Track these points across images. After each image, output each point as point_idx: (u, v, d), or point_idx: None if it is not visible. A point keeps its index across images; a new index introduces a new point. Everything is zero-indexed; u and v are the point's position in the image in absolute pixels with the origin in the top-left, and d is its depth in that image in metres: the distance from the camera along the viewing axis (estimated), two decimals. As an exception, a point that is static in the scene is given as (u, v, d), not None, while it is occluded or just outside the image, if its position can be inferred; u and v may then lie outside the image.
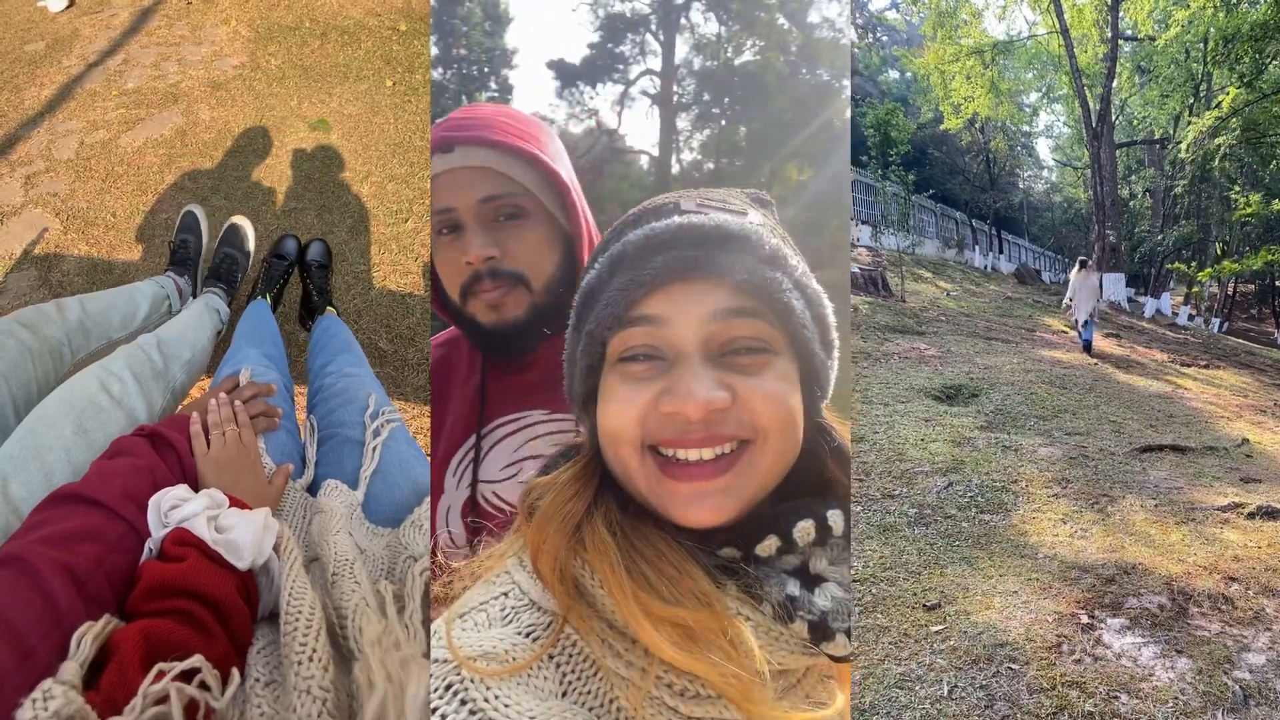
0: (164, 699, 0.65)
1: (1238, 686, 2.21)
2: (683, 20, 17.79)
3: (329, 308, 2.37)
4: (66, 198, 2.82)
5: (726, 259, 0.63)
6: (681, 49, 18.07)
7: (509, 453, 1.12)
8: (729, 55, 17.72)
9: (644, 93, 18.19)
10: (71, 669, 0.66)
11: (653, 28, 17.92)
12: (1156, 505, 3.48)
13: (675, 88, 18.00)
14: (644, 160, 18.57)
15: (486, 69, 17.73)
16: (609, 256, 0.67)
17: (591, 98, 18.43)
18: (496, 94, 17.79)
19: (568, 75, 18.27)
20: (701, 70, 18.00)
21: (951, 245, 15.76)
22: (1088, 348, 7.74)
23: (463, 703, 0.53)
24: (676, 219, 0.65)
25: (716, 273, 0.62)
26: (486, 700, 0.54)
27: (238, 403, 1.28)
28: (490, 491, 1.11)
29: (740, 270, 0.63)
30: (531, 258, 1.07)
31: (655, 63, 18.08)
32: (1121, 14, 12.98)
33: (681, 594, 0.59)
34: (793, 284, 0.65)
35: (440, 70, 17.70)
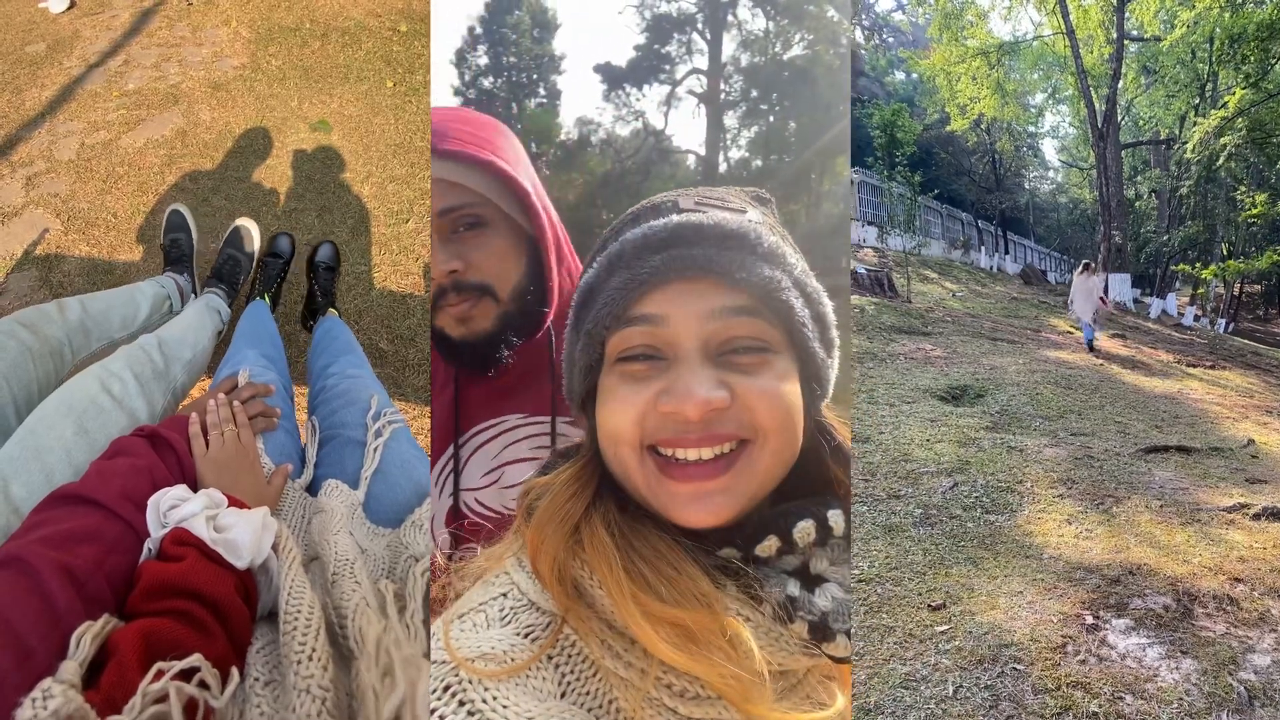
0: (163, 698, 0.65)
1: (1243, 688, 2.20)
2: (730, 17, 17.68)
3: (331, 309, 2.37)
4: (67, 198, 2.82)
5: (725, 257, 0.62)
6: (729, 46, 17.99)
7: (489, 459, 1.11)
8: (777, 50, 17.64)
9: (690, 92, 18.14)
10: (71, 668, 0.66)
11: (699, 26, 17.85)
12: (1162, 506, 3.46)
13: (722, 85, 17.94)
14: (691, 160, 18.54)
15: (535, 75, 17.81)
16: (607, 255, 0.66)
17: (638, 99, 18.40)
18: (545, 100, 17.87)
19: (614, 78, 18.27)
20: (749, 66, 17.90)
21: (957, 246, 15.76)
22: (1090, 346, 7.88)
23: (461, 704, 0.53)
24: (674, 217, 0.64)
25: (715, 271, 0.62)
26: (485, 701, 0.53)
27: (236, 403, 1.28)
28: (473, 499, 1.10)
29: (739, 268, 0.62)
30: (495, 267, 1.04)
31: (702, 61, 18.02)
32: (1127, 14, 12.98)
33: (680, 594, 0.58)
34: (792, 282, 0.64)
35: (490, 79, 17.83)
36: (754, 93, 17.90)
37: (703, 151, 18.31)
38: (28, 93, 3.24)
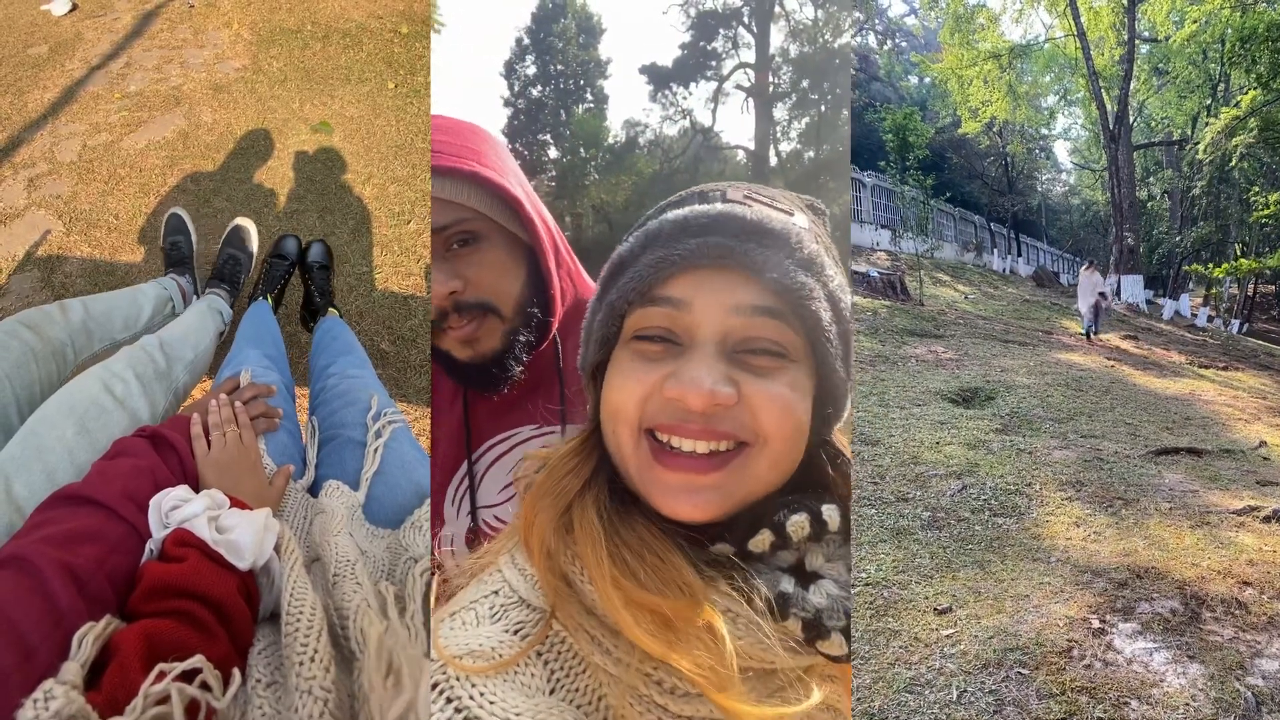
0: (165, 699, 0.64)
1: (1250, 693, 2.18)
2: (777, 8, 17.59)
3: (331, 309, 2.36)
4: (69, 200, 2.82)
5: (761, 254, 0.61)
6: (776, 37, 18.02)
7: (504, 474, 1.09)
8: (827, 38, 17.55)
9: (738, 87, 18.15)
10: (73, 669, 0.66)
11: (745, 20, 17.83)
12: (1171, 509, 3.43)
13: (771, 78, 17.83)
14: (740, 155, 18.47)
15: (582, 81, 17.86)
16: (644, 231, 0.66)
17: (685, 98, 18.49)
18: (592, 105, 17.93)
19: (660, 78, 18.36)
20: (798, 57, 17.83)
21: (970, 249, 15.69)
22: (1088, 335, 8.25)
23: (448, 700, 0.53)
24: (719, 205, 0.64)
25: (748, 266, 0.61)
26: (472, 698, 0.53)
27: (238, 404, 1.28)
28: (492, 515, 1.08)
29: (773, 268, 0.61)
30: (495, 283, 1.00)
31: (749, 55, 18.07)
32: (1139, 16, 12.96)
33: (663, 583, 0.58)
34: (826, 295, 0.63)
35: (539, 87, 17.89)
36: (804, 83, 17.87)
37: (752, 146, 18.32)
38: (30, 94, 3.25)
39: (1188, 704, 2.14)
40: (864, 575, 2.82)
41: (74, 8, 3.74)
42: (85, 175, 2.92)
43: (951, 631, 2.46)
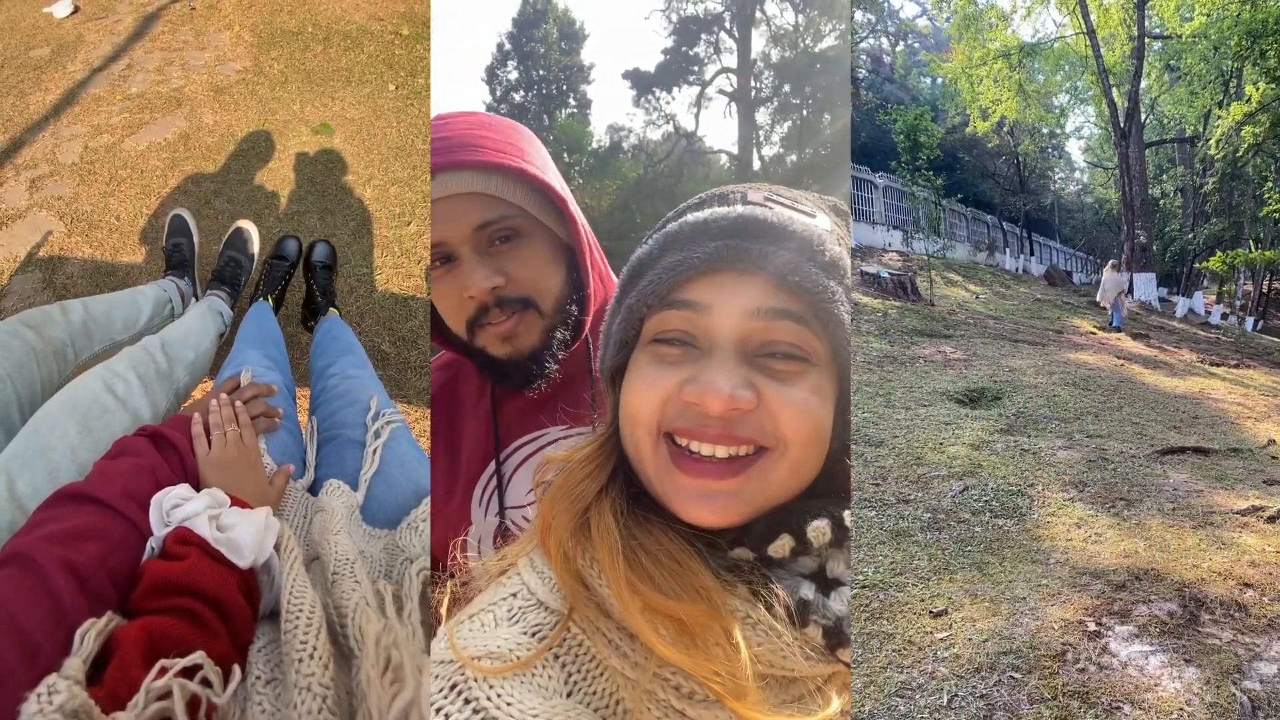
0: (166, 695, 0.65)
1: (1246, 697, 2.16)
2: (758, 13, 17.64)
3: (331, 309, 2.37)
4: (71, 201, 2.83)
5: (781, 257, 0.60)
6: (758, 42, 18.01)
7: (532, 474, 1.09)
8: (808, 43, 17.59)
9: (721, 91, 18.18)
10: (75, 665, 0.67)
11: (727, 25, 17.87)
12: (1174, 509, 3.39)
13: (753, 83, 17.88)
14: (724, 159, 18.52)
15: (565, 86, 17.89)
16: (664, 234, 0.65)
17: (668, 102, 18.48)
18: (575, 110, 17.94)
19: (643, 83, 18.35)
20: (780, 62, 17.88)
21: (982, 248, 15.59)
22: (1115, 327, 8.48)
23: (466, 702, 0.53)
24: (739, 208, 0.63)
25: (769, 269, 0.60)
26: (489, 699, 0.53)
27: (238, 403, 1.28)
28: (520, 517, 1.07)
29: (794, 271, 0.60)
30: (536, 279, 1.01)
31: (731, 60, 18.08)
32: (1148, 12, 12.86)
33: (680, 588, 0.58)
34: (848, 299, 0.63)
35: (521, 93, 17.92)
36: (786, 88, 17.89)
37: (735, 150, 18.35)
38: (32, 96, 3.26)
39: (1182, 709, 2.12)
40: (861, 578, 2.81)
41: (76, 10, 3.75)
42: (87, 177, 2.93)
43: (946, 634, 2.46)
